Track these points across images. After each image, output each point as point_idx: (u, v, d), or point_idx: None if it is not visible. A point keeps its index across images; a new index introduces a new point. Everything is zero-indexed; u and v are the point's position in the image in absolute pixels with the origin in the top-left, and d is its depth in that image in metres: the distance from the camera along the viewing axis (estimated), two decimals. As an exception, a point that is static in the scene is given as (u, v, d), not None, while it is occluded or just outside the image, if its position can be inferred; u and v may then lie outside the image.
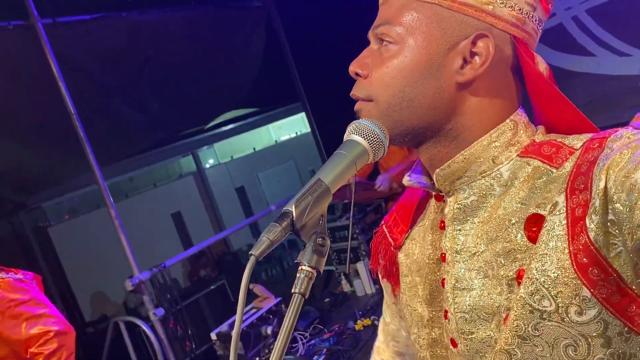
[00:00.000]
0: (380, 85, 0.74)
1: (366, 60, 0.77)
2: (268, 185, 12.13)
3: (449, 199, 0.78)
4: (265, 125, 11.83)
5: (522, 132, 0.74)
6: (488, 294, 0.71)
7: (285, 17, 5.19)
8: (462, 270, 0.74)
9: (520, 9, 0.71)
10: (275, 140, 13.42)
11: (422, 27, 0.71)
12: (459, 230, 0.76)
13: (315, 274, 0.63)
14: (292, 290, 0.62)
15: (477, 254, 0.73)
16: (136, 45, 4.07)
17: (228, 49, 5.42)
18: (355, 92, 0.78)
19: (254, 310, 3.75)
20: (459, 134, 0.74)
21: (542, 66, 0.74)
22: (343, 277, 4.31)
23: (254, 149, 12.76)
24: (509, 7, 0.71)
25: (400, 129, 0.75)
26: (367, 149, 0.71)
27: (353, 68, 0.77)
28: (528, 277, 0.66)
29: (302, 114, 10.90)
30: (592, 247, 0.60)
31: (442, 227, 0.79)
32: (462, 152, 0.74)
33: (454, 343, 0.76)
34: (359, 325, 2.99)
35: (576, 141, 0.69)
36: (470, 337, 0.73)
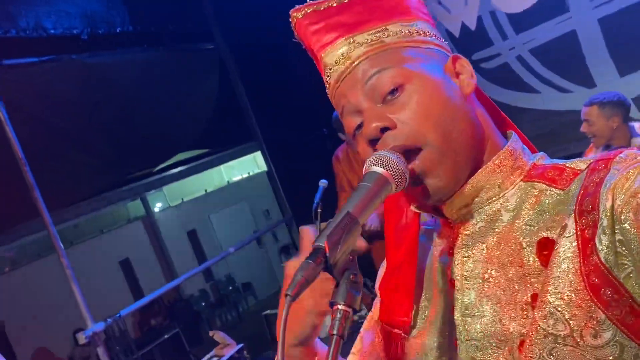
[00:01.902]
0: (420, 123, 0.71)
1: (384, 114, 0.73)
2: (221, 227, 11.92)
3: (456, 226, 0.77)
4: (216, 166, 11.72)
5: (521, 157, 0.76)
6: (500, 320, 0.70)
7: (239, 58, 5.23)
8: (472, 296, 0.73)
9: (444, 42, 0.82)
10: (227, 181, 13.27)
11: (412, 62, 0.74)
12: (468, 256, 0.75)
13: (351, 313, 0.59)
14: (329, 332, 0.58)
15: (488, 280, 0.72)
16: (87, 88, 3.98)
17: (180, 91, 5.39)
18: (396, 142, 0.71)
19: (215, 358, 3.60)
20: (485, 150, 0.76)
21: None
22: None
23: (205, 190, 12.56)
24: (442, 41, 0.80)
25: (461, 160, 0.73)
26: (389, 179, 0.68)
27: (377, 124, 0.72)
28: (542, 301, 0.65)
29: (255, 154, 10.89)
30: (602, 268, 0.60)
31: (451, 254, 0.78)
32: (469, 181, 0.74)
33: None
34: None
35: (579, 163, 0.71)
36: None
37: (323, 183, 3.44)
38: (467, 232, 0.76)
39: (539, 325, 0.64)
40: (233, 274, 11.44)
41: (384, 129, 0.72)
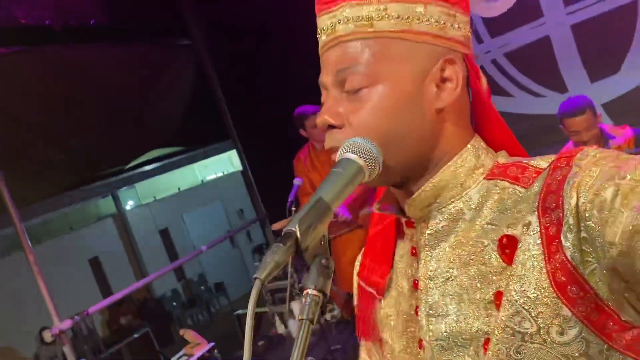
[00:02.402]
0: (364, 131, 0.70)
1: (337, 109, 0.73)
2: (194, 226, 11.79)
3: (419, 226, 0.77)
4: (190, 165, 11.59)
5: (483, 155, 0.75)
6: (465, 318, 0.70)
7: (216, 55, 5.18)
8: (436, 296, 0.73)
9: (465, 28, 0.74)
10: (201, 180, 13.15)
11: (390, 62, 0.70)
12: (431, 256, 0.75)
13: (322, 298, 0.59)
14: (299, 317, 0.58)
15: (450, 278, 0.72)
16: (58, 81, 3.89)
17: (154, 87, 5.32)
18: (333, 144, 0.73)
19: (184, 357, 3.55)
20: (439, 162, 0.74)
21: (484, 81, 0.77)
22: (277, 318, 4.20)
23: (179, 189, 12.42)
24: (457, 28, 0.72)
25: (395, 170, 0.73)
26: (362, 167, 0.68)
27: (325, 118, 0.73)
28: (507, 300, 0.65)
29: (229, 153, 10.79)
30: (569, 265, 0.61)
31: (414, 254, 0.78)
32: (431, 179, 0.73)
33: None
34: (298, 367, 2.90)
35: (541, 162, 0.70)
36: None
37: (297, 182, 3.44)
38: (430, 232, 0.75)
39: (506, 324, 0.65)
40: (205, 274, 11.34)
41: (330, 126, 0.73)
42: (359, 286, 0.90)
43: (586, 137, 2.76)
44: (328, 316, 4.99)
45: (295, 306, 3.74)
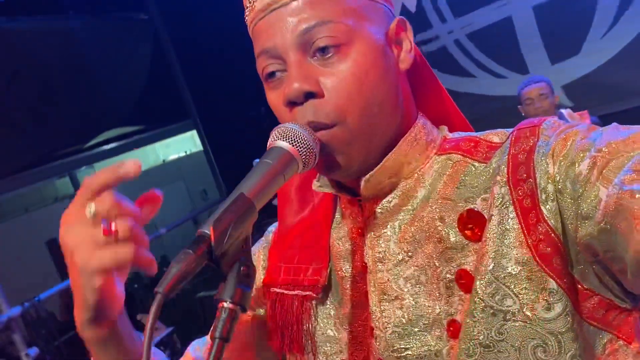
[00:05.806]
0: (347, 99, 0.63)
1: (312, 75, 0.63)
2: (155, 207, 11.59)
3: (367, 204, 0.71)
4: (151, 144, 11.30)
5: (431, 130, 0.71)
6: (424, 300, 0.65)
7: (175, 31, 5.00)
8: (388, 279, 0.68)
9: None
10: (163, 160, 12.87)
11: (360, 19, 0.64)
12: (379, 236, 0.69)
13: (239, 312, 0.52)
14: (210, 335, 0.51)
15: (404, 260, 0.67)
16: (5, 55, 3.68)
17: (110, 63, 5.12)
18: (316, 118, 0.63)
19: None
20: (398, 136, 0.69)
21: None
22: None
23: (139, 169, 12.15)
24: None
25: (374, 144, 0.66)
26: (295, 158, 0.61)
27: (303, 87, 0.62)
28: (482, 278, 0.60)
29: (193, 132, 10.57)
30: (553, 235, 0.58)
31: (360, 234, 0.72)
32: (389, 154, 0.68)
33: None
34: None
35: (493, 136, 0.68)
36: (404, 354, 0.66)
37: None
38: (381, 210, 0.70)
39: (486, 303, 0.60)
40: (168, 256, 11.17)
41: (308, 94, 0.63)
42: (274, 295, 0.78)
43: (539, 105, 2.84)
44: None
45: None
